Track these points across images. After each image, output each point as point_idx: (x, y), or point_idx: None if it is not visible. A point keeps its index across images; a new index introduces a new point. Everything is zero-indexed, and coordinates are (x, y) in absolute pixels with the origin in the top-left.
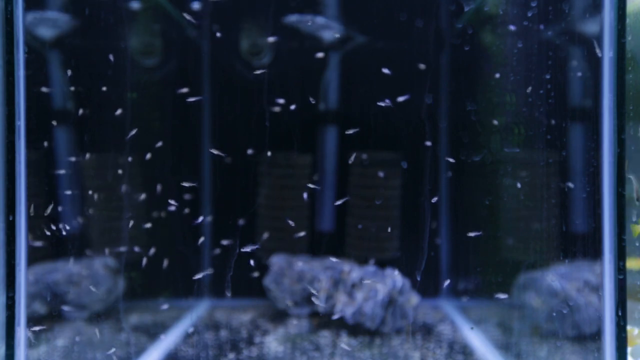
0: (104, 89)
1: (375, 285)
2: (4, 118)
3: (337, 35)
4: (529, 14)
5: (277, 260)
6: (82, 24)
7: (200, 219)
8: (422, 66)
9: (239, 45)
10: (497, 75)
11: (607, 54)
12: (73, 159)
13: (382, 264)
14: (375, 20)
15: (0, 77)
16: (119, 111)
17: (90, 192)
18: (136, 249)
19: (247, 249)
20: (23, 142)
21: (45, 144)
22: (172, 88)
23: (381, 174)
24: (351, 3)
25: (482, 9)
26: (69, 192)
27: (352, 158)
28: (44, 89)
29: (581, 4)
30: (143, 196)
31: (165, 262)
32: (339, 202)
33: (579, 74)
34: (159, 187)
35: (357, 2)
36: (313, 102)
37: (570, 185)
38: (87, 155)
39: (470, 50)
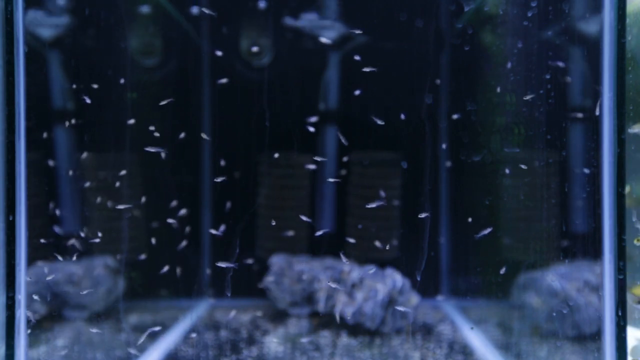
0: (104, 88)
1: (375, 285)
2: (4, 118)
3: (328, 39)
4: (529, 14)
5: (277, 260)
6: (82, 24)
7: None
8: (438, 81)
9: (239, 45)
10: (499, 77)
11: (607, 54)
12: (74, 158)
13: (382, 264)
14: (376, 20)
15: (0, 77)
16: (131, 121)
17: (90, 192)
18: (136, 251)
19: (223, 265)
20: (23, 142)
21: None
22: (172, 88)
23: (382, 193)
24: (351, 3)
25: (482, 9)
26: (70, 192)
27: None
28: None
29: (581, 4)
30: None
31: (166, 263)
32: (319, 233)
33: (579, 74)
34: (158, 187)
35: (357, 2)
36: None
37: (586, 170)
38: (88, 155)
39: (470, 50)
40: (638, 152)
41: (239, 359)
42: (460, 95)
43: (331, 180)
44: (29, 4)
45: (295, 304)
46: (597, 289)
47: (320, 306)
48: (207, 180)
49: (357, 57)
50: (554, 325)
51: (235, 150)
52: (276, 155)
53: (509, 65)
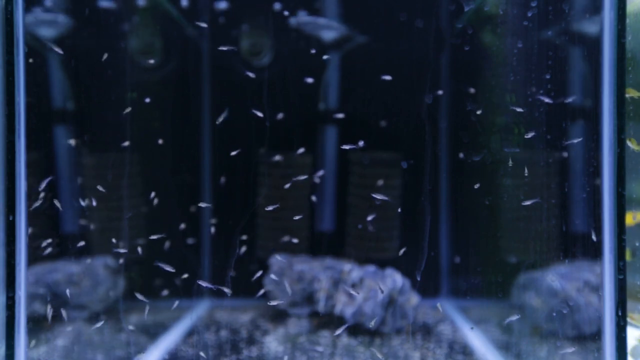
0: (104, 89)
1: (375, 285)
2: (4, 118)
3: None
4: (529, 14)
5: (277, 260)
6: (82, 24)
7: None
8: (440, 92)
9: (239, 45)
10: (499, 77)
11: (607, 54)
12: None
13: (382, 264)
14: (376, 20)
15: (0, 77)
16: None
17: (91, 192)
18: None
19: (166, 268)
20: (23, 142)
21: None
22: (172, 88)
23: (380, 182)
24: (351, 3)
25: (482, 9)
26: (71, 192)
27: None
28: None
29: (581, 4)
30: (145, 194)
31: (166, 262)
32: (370, 218)
33: (579, 74)
34: (159, 186)
35: (357, 2)
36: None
37: (586, 170)
38: (88, 155)
39: (470, 50)
40: (638, 152)
41: (239, 358)
42: (460, 95)
43: (318, 175)
44: (29, 4)
45: (295, 304)
46: (597, 289)
47: (321, 306)
48: (207, 180)
49: (386, 77)
50: (554, 325)
51: (234, 150)
52: (275, 154)
53: (508, 65)
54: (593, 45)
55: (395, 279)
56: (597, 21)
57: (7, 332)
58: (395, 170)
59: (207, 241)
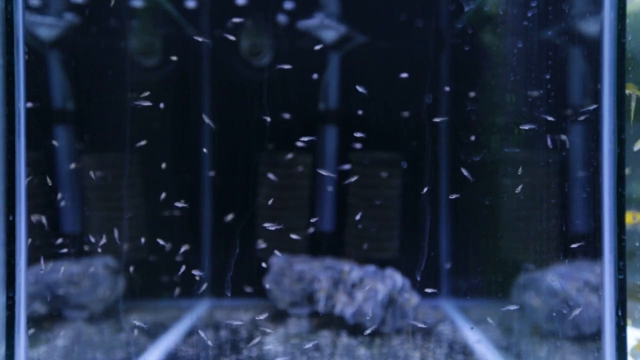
0: (104, 89)
1: (375, 285)
2: (4, 118)
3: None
4: (529, 14)
5: (277, 260)
6: (81, 24)
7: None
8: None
9: (239, 45)
10: (499, 77)
11: (607, 54)
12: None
13: (382, 264)
14: (376, 20)
15: (0, 77)
16: (142, 143)
17: (91, 192)
18: (136, 247)
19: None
20: (23, 142)
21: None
22: (172, 88)
23: (384, 174)
24: (351, 3)
25: (482, 9)
26: (72, 192)
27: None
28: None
29: (581, 3)
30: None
31: (166, 263)
32: (358, 217)
33: (579, 74)
34: (158, 187)
35: (357, 2)
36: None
37: (587, 170)
38: (88, 155)
39: (470, 50)
40: (638, 152)
41: (239, 358)
42: (460, 95)
43: (325, 172)
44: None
45: (295, 304)
46: (597, 289)
47: (321, 306)
48: (207, 180)
49: (360, 89)
50: (554, 325)
51: (234, 150)
52: (275, 153)
53: (508, 65)
54: (593, 45)
55: (395, 279)
56: (597, 21)
57: (7, 332)
58: (395, 170)
59: (207, 241)
